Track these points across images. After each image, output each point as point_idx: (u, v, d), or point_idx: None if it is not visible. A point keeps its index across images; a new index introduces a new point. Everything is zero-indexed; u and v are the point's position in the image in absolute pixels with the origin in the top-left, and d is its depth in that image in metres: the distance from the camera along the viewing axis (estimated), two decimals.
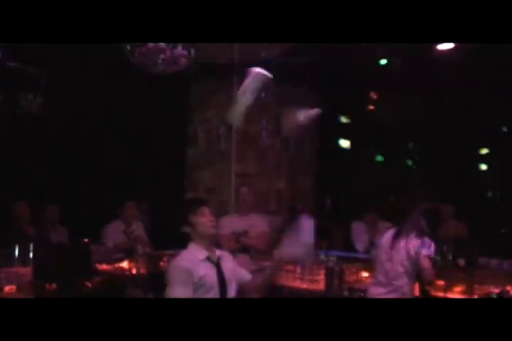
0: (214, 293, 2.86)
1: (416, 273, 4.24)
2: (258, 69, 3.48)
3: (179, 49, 4.36)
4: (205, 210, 2.98)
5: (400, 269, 4.20)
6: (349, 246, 6.29)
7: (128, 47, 4.25)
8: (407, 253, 4.17)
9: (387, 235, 4.41)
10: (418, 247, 4.14)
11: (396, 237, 4.30)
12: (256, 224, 5.24)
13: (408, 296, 4.18)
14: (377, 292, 4.29)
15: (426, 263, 4.13)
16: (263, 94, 7.02)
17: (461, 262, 4.83)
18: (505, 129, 8.61)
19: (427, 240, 4.18)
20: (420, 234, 4.19)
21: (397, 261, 4.22)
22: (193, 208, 2.98)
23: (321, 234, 6.39)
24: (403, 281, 4.19)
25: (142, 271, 5.38)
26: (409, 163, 9.38)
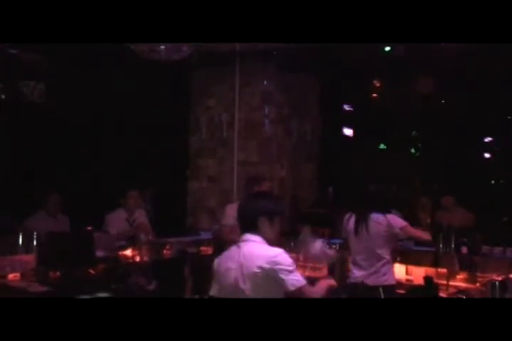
0: None
1: (394, 251, 4.40)
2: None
3: None
4: None
5: (378, 251, 4.28)
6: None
7: None
8: (380, 234, 4.25)
9: (351, 220, 4.46)
10: (390, 223, 4.24)
11: (359, 222, 4.37)
12: None
13: (388, 276, 4.29)
14: (359, 274, 4.37)
15: (411, 231, 4.30)
16: (265, 83, 7.04)
17: (464, 250, 4.84)
18: (508, 117, 8.59)
19: (389, 216, 4.28)
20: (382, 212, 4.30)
21: (372, 244, 4.30)
22: None
23: (323, 222, 6.43)
24: (381, 263, 4.28)
25: (145, 258, 5.40)
26: (412, 150, 9.38)
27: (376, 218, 4.30)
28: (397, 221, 4.28)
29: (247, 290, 2.64)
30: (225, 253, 2.85)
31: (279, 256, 2.64)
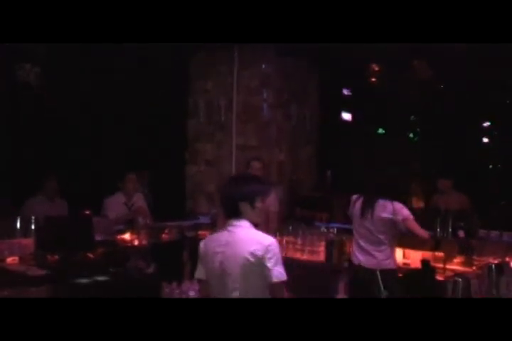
0: None
1: (396, 238, 4.41)
2: None
3: None
4: None
5: (380, 236, 4.32)
6: (349, 218, 6.30)
7: None
8: (383, 220, 4.28)
9: (358, 202, 4.48)
10: (395, 210, 4.25)
11: (366, 205, 4.39)
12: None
13: (390, 261, 4.34)
14: (361, 257, 4.41)
15: (412, 225, 4.27)
16: (264, 66, 7.00)
17: (461, 233, 4.86)
18: (507, 102, 8.57)
19: (397, 204, 4.28)
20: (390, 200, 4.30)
21: (374, 229, 4.33)
22: None
23: (322, 206, 6.44)
24: (382, 247, 4.33)
25: (144, 242, 5.42)
26: (411, 135, 9.36)
27: (383, 203, 4.31)
28: (403, 211, 4.28)
29: (235, 274, 2.61)
30: (213, 237, 2.81)
31: (272, 244, 2.61)
